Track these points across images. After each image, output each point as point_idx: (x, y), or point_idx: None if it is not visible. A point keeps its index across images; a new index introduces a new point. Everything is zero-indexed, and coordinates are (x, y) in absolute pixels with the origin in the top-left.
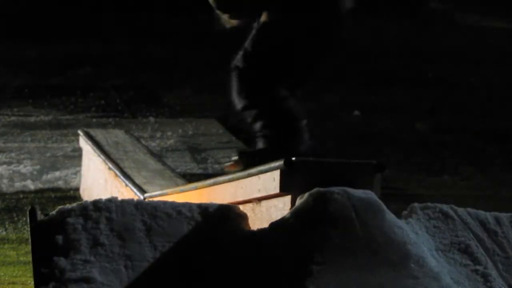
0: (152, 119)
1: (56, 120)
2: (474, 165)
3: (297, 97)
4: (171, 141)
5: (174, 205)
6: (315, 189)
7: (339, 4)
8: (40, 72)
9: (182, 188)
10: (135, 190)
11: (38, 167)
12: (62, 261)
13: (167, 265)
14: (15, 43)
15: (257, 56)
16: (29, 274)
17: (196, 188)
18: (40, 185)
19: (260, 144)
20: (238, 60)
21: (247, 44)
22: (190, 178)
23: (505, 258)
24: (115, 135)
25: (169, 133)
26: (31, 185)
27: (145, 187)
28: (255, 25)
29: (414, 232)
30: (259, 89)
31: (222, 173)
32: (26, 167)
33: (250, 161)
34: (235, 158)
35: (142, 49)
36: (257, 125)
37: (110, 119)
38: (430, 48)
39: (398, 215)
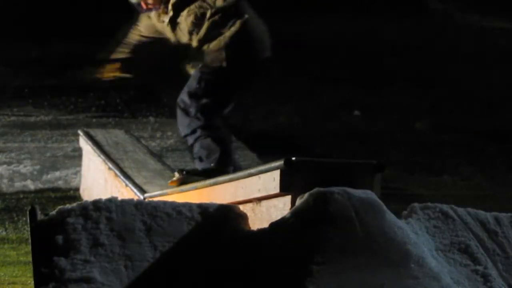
0: (152, 119)
1: (56, 120)
2: (474, 165)
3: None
4: (171, 141)
5: (174, 205)
6: (315, 189)
7: (261, 55)
8: (40, 72)
9: (182, 188)
10: (135, 190)
11: (38, 167)
12: (62, 261)
13: (167, 265)
14: (15, 43)
15: (200, 93)
16: (29, 274)
17: (196, 188)
18: (40, 185)
19: (197, 165)
20: (183, 96)
21: (192, 83)
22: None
23: (505, 258)
24: (115, 135)
25: (169, 133)
26: (31, 185)
27: (145, 187)
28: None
29: (414, 232)
30: (199, 120)
31: None
32: (26, 167)
33: (186, 178)
34: (177, 174)
35: None
36: (196, 148)
37: (110, 119)
38: (430, 48)
39: (398, 215)
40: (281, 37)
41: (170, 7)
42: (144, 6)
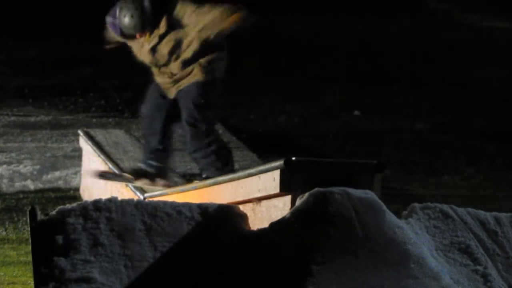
0: None
1: (56, 120)
2: (474, 165)
3: None
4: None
5: (174, 205)
6: (315, 189)
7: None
8: (40, 72)
9: (182, 188)
10: (135, 190)
11: (38, 167)
12: (62, 261)
13: (167, 265)
14: (15, 43)
15: (206, 106)
16: (29, 274)
17: (196, 188)
18: (40, 185)
19: (212, 172)
20: (193, 112)
21: (196, 97)
22: (190, 178)
23: (505, 258)
24: (115, 135)
25: None
26: (31, 185)
27: (145, 187)
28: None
29: (414, 232)
30: (212, 134)
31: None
32: (26, 167)
33: None
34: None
35: None
36: (210, 159)
37: (110, 119)
38: (430, 48)
39: (398, 215)
40: (281, 37)
41: (155, 35)
42: (138, 37)
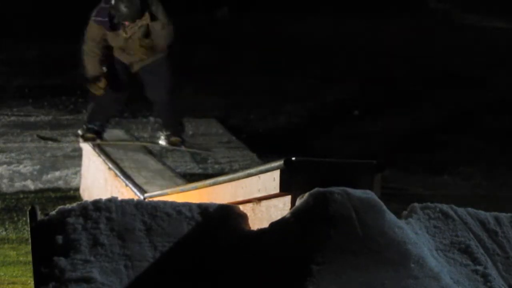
0: (152, 119)
1: (56, 120)
2: (474, 165)
3: None
4: None
5: (174, 205)
6: (315, 189)
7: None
8: (40, 72)
9: (182, 188)
10: (135, 190)
11: (38, 167)
12: (62, 261)
13: (167, 265)
14: (15, 43)
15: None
16: (29, 274)
17: (196, 188)
18: (40, 185)
19: (181, 131)
20: (171, 81)
21: (168, 71)
22: (190, 178)
23: (505, 258)
24: (115, 135)
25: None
26: (31, 185)
27: (145, 187)
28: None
29: (414, 232)
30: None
31: (222, 173)
32: (26, 167)
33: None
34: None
35: None
36: (179, 120)
37: (110, 119)
38: (430, 48)
39: (398, 215)
40: (281, 37)
41: (136, 25)
42: (126, 24)
